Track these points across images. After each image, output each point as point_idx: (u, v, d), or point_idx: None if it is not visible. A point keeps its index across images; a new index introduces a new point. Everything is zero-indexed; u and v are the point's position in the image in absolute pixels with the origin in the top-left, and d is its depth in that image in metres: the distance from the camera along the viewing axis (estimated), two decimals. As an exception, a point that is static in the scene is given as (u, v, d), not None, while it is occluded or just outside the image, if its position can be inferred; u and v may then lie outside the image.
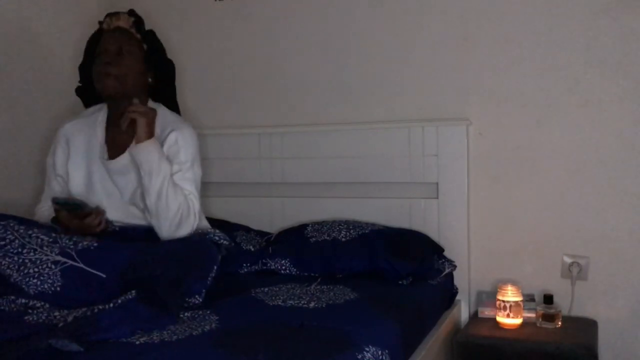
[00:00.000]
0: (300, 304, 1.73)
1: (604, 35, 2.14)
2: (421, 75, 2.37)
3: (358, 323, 1.58)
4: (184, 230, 1.92)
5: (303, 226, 2.31)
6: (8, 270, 1.65)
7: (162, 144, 1.96)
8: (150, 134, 1.90)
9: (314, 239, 2.21)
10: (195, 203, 1.97)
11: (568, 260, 2.21)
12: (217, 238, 1.96)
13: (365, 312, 1.70)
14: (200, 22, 2.69)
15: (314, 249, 2.17)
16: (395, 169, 2.35)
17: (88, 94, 2.11)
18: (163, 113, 2.05)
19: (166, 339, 1.38)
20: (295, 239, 2.24)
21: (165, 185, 1.87)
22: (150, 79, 2.06)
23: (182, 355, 1.31)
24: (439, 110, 2.35)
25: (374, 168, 2.38)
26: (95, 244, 1.74)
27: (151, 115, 1.91)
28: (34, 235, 1.73)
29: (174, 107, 2.17)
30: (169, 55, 2.19)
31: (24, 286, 1.63)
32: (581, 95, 2.18)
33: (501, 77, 2.27)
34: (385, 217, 2.35)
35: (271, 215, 2.53)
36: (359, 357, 1.39)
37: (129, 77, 1.96)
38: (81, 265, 1.67)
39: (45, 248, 1.70)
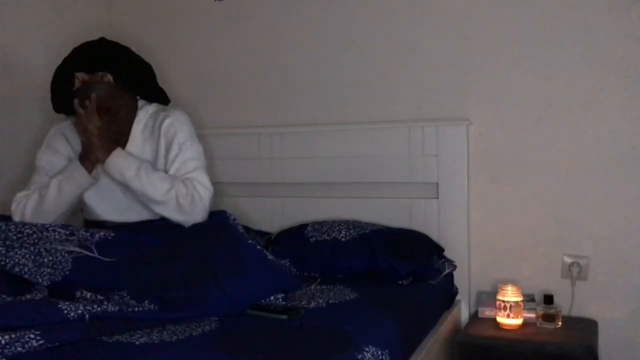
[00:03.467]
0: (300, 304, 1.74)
1: (604, 35, 2.14)
2: (421, 75, 2.37)
3: (358, 323, 1.58)
4: (196, 209, 1.90)
5: (303, 226, 2.31)
6: (23, 260, 1.67)
7: (159, 133, 2.00)
8: (105, 149, 1.89)
9: (314, 239, 2.21)
10: (200, 180, 1.96)
11: (568, 260, 2.21)
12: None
13: (365, 312, 1.70)
14: (200, 22, 2.69)
15: (314, 249, 2.17)
16: (395, 169, 2.35)
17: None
18: (154, 107, 2.08)
19: (166, 339, 1.38)
20: (295, 239, 2.24)
21: (145, 184, 1.88)
22: (138, 97, 2.06)
23: (182, 355, 1.31)
24: (439, 110, 2.35)
25: (374, 168, 2.38)
26: (113, 234, 1.78)
27: (97, 133, 1.88)
28: (50, 229, 1.78)
29: (162, 96, 2.14)
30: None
31: (38, 277, 1.65)
32: (581, 95, 2.18)
33: (501, 77, 2.27)
34: (385, 217, 2.35)
35: (271, 215, 2.53)
36: (359, 357, 1.38)
37: (121, 113, 1.97)
38: (96, 255, 1.70)
39: (63, 242, 1.73)
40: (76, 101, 1.88)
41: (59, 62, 1.95)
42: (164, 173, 1.96)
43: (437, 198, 2.31)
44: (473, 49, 2.30)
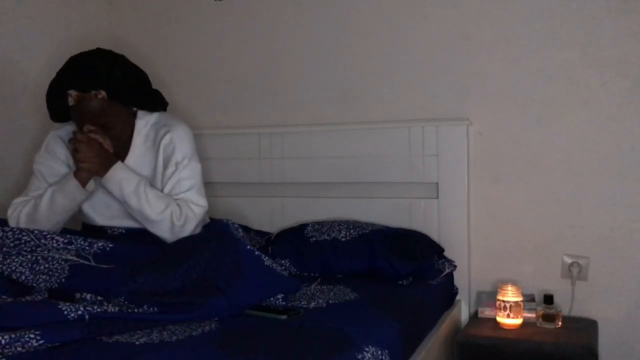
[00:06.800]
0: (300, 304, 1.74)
1: (604, 35, 2.14)
2: (421, 75, 2.37)
3: (358, 323, 1.58)
4: (186, 229, 1.90)
5: (303, 226, 2.31)
6: (20, 268, 1.66)
7: (158, 147, 1.97)
8: (102, 165, 1.87)
9: (314, 239, 2.21)
10: (193, 200, 1.94)
11: (568, 260, 2.21)
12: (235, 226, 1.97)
13: (365, 312, 1.71)
14: (200, 22, 2.70)
15: (314, 249, 2.17)
16: (395, 169, 2.35)
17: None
18: (156, 118, 2.03)
19: (166, 339, 1.38)
20: (295, 239, 2.24)
21: (143, 202, 1.86)
22: (134, 109, 1.99)
23: (182, 355, 1.31)
24: (439, 110, 2.35)
25: (374, 168, 2.38)
26: (111, 245, 1.76)
27: (91, 155, 1.85)
28: (49, 236, 1.77)
29: (159, 101, 2.06)
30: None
31: (34, 284, 1.65)
32: (581, 95, 2.18)
33: (501, 77, 2.27)
34: (385, 217, 2.35)
35: (271, 215, 2.53)
36: (359, 357, 1.39)
37: (116, 128, 1.92)
38: (92, 263, 1.69)
39: (61, 251, 1.72)
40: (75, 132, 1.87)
41: (57, 66, 1.91)
42: (160, 192, 1.93)
43: (437, 198, 2.31)
44: (473, 49, 2.30)
